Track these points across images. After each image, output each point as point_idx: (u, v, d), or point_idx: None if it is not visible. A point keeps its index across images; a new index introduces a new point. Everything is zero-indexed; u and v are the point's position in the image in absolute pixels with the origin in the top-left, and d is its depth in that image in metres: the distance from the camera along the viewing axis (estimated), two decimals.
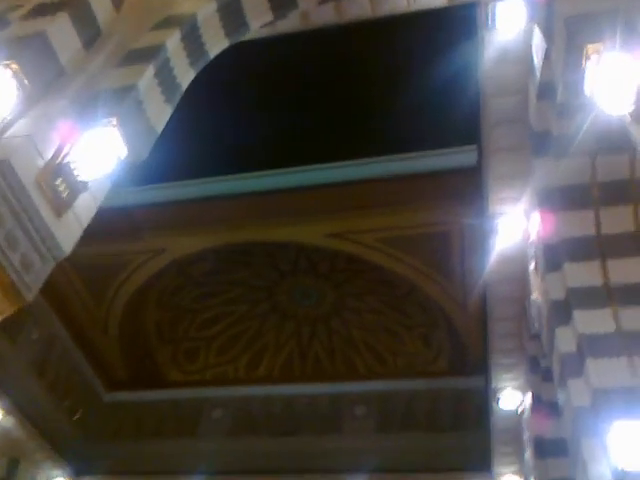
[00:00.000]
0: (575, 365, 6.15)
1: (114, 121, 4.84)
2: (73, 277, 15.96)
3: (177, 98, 5.94)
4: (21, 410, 14.38)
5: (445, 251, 14.37)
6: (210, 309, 17.69)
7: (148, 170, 13.27)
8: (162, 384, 18.16)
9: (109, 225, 14.33)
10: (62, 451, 15.97)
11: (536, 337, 9.23)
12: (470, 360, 15.31)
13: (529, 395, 10.44)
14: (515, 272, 9.28)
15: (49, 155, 4.83)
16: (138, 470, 15.95)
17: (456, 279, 14.72)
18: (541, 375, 9.47)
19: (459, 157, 12.38)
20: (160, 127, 5.76)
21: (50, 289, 15.29)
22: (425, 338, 16.98)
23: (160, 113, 5.70)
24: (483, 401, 12.84)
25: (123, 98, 5.07)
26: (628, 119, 3.60)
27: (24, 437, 14.73)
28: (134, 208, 14.22)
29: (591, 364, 5.89)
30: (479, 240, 9.70)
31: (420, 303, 16.01)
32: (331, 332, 17.96)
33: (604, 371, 5.82)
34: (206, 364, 18.43)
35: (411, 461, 14.40)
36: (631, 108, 3.52)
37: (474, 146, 9.41)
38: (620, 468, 5.22)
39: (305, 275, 16.59)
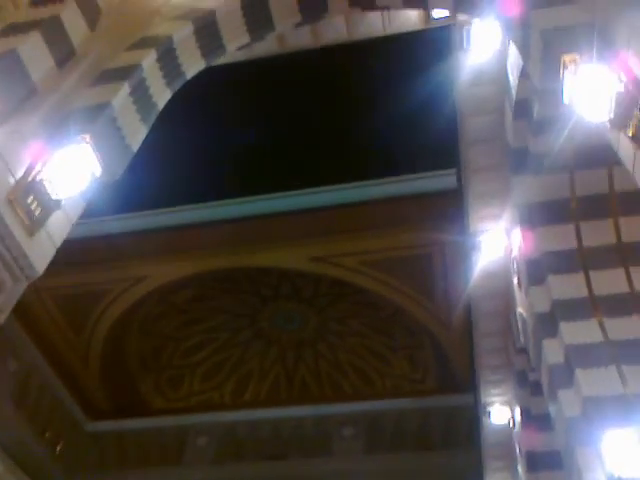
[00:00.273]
0: (564, 376, 6.23)
1: (87, 138, 4.79)
2: (52, 308, 15.78)
3: (153, 117, 5.89)
4: None
5: (428, 272, 14.49)
6: (193, 336, 17.55)
7: (128, 198, 13.44)
8: (146, 412, 17.93)
9: (89, 254, 14.30)
10: None
11: (522, 351, 9.31)
12: (458, 378, 15.36)
13: (518, 410, 10.49)
14: (498, 287, 9.37)
15: (20, 173, 4.76)
16: None
17: (440, 299, 14.84)
18: (530, 389, 9.53)
19: (440, 180, 12.61)
20: (136, 146, 5.71)
21: (28, 320, 15.14)
22: (411, 359, 17.01)
23: (135, 132, 5.63)
24: (473, 418, 12.80)
25: (97, 115, 5.03)
26: (607, 127, 3.70)
27: (2, 470, 14.34)
28: (114, 236, 14.13)
29: (580, 374, 5.97)
30: (462, 258, 9.79)
31: (405, 325, 16.06)
32: (317, 356, 17.91)
33: (594, 381, 5.90)
34: (190, 391, 18.24)
35: None
36: (610, 115, 3.62)
37: (454, 169, 9.57)
38: (616, 476, 5.27)
39: (288, 300, 16.59)
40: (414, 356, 16.93)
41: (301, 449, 16.19)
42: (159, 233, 14.29)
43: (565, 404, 6.07)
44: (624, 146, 3.71)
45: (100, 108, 5.17)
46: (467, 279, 9.59)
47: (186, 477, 16.02)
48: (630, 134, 3.43)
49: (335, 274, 14.96)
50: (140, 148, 5.86)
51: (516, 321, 8.77)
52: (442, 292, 14.73)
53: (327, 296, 16.22)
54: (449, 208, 10.62)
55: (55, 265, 14.45)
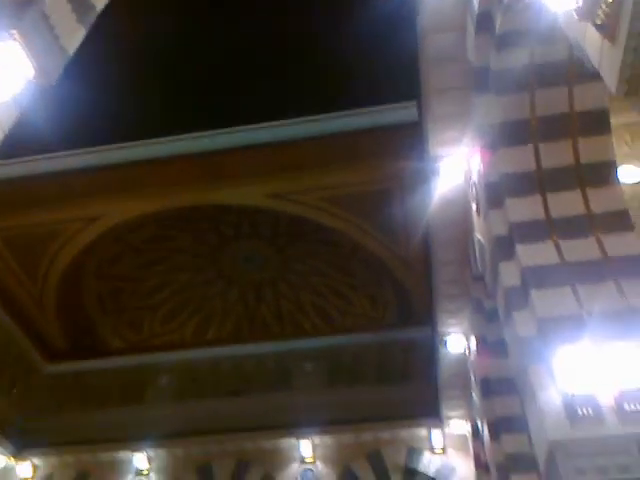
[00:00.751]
0: (520, 298, 6.19)
1: (15, 34, 4.37)
2: (2, 250, 15.23)
3: (90, 19, 5.41)
4: None
5: (387, 208, 14.34)
6: (152, 278, 17.20)
7: (80, 133, 12.86)
8: (105, 353, 17.73)
9: (39, 192, 13.76)
10: (1, 429, 15.43)
11: (480, 279, 9.31)
12: (417, 313, 15.50)
13: (474, 339, 10.61)
14: (457, 216, 9.26)
15: None
16: (84, 440, 15.63)
17: (399, 235, 14.78)
18: (485, 317, 9.59)
19: (400, 112, 12.29)
20: (72, 48, 5.25)
21: None
22: (371, 296, 17.09)
23: (71, 33, 5.15)
24: (430, 350, 13.02)
25: (25, 10, 4.59)
26: (573, 18, 3.45)
27: None
28: (66, 173, 13.54)
29: (536, 295, 5.93)
30: (421, 190, 9.62)
31: (364, 262, 16.02)
32: (278, 295, 17.84)
33: (548, 301, 5.87)
34: (151, 333, 18.06)
35: (362, 412, 14.56)
36: (576, 3, 3.37)
37: (414, 102, 9.26)
38: (569, 393, 5.29)
39: (248, 239, 16.32)
40: (374, 293, 17.00)
41: (262, 385, 16.30)
42: (112, 170, 13.67)
43: (520, 325, 6.04)
44: (590, 38, 3.48)
45: (29, 2, 4.69)
46: (426, 207, 9.45)
47: (148, 415, 15.98)
48: (598, 22, 3.19)
49: (294, 211, 14.71)
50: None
51: (474, 249, 8.72)
52: (401, 228, 14.66)
53: (287, 235, 16.00)
54: (409, 141, 10.35)
55: (4, 205, 13.89)
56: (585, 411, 5.28)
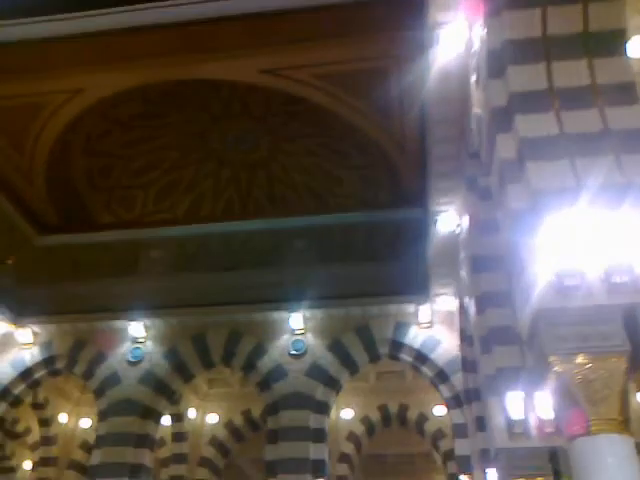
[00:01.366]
0: (515, 170, 6.06)
1: None
2: None
3: None
4: None
5: (383, 87, 13.81)
6: (142, 156, 16.88)
7: None
8: (97, 228, 17.80)
9: (17, 62, 13.11)
10: None
11: (475, 156, 9.13)
12: (409, 194, 15.45)
13: (466, 217, 10.60)
14: (455, 90, 8.93)
15: None
16: (80, 310, 16.05)
17: (394, 116, 14.39)
18: (479, 194, 9.51)
19: None
20: None
21: None
22: (364, 178, 16.94)
23: None
24: (421, 228, 13.09)
25: None
26: None
27: None
28: (46, 41, 12.78)
29: (531, 167, 5.80)
30: (418, 60, 9.18)
31: (358, 143, 15.72)
32: (270, 176, 17.65)
33: (544, 173, 5.75)
34: (144, 212, 18.03)
35: (351, 288, 14.89)
36: None
37: None
38: (559, 264, 5.30)
39: (239, 119, 15.86)
40: (367, 175, 16.83)
41: (254, 261, 16.52)
42: (96, 37, 12.90)
43: (513, 198, 5.96)
44: None
45: None
46: (423, 82, 9.09)
47: (142, 287, 16.29)
48: None
49: (286, 88, 14.15)
50: None
51: (470, 124, 8.48)
52: (397, 108, 14.23)
53: (279, 115, 15.52)
54: (407, 14, 9.80)
55: None
56: (573, 282, 5.31)
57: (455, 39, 7.94)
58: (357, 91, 14.04)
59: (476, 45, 7.37)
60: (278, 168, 17.42)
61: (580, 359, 5.30)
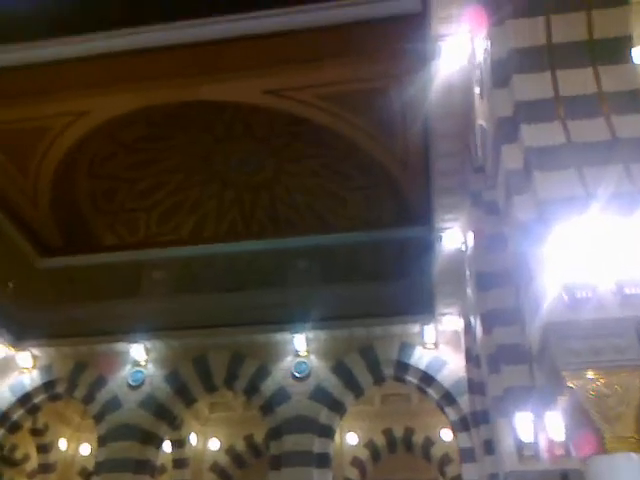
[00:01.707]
0: (522, 181, 5.90)
1: None
2: None
3: None
4: None
5: (385, 106, 13.83)
6: (146, 178, 16.97)
7: (65, 20, 12.09)
8: (100, 249, 17.70)
9: (24, 84, 13.16)
10: None
11: (480, 171, 9.01)
12: (413, 213, 15.37)
13: (471, 233, 10.43)
14: (458, 104, 8.83)
15: None
16: (81, 332, 15.85)
17: (397, 135, 14.39)
18: (484, 210, 9.35)
19: (400, 3, 11.52)
20: None
21: None
22: (367, 198, 16.89)
23: None
24: (425, 247, 12.91)
25: None
26: None
27: None
28: (51, 64, 12.82)
29: (539, 177, 5.64)
30: (420, 74, 9.11)
31: (361, 164, 15.73)
32: (274, 198, 17.64)
33: (552, 183, 5.59)
34: (147, 234, 17.96)
35: (355, 308, 14.67)
36: None
37: None
38: (568, 276, 5.11)
39: (242, 141, 15.91)
40: (370, 195, 16.79)
41: (256, 282, 16.33)
42: (99, 61, 12.94)
43: (520, 209, 5.79)
44: None
45: None
46: (425, 97, 8.99)
47: (143, 309, 16.11)
48: None
49: (290, 109, 14.18)
50: None
51: (475, 138, 8.36)
52: (400, 127, 14.22)
53: (282, 136, 15.58)
54: (411, 34, 9.78)
55: None
56: (584, 294, 5.12)
57: (458, 52, 7.85)
58: (360, 111, 14.03)
59: (479, 56, 7.28)
60: (281, 189, 17.40)
61: (593, 374, 5.08)
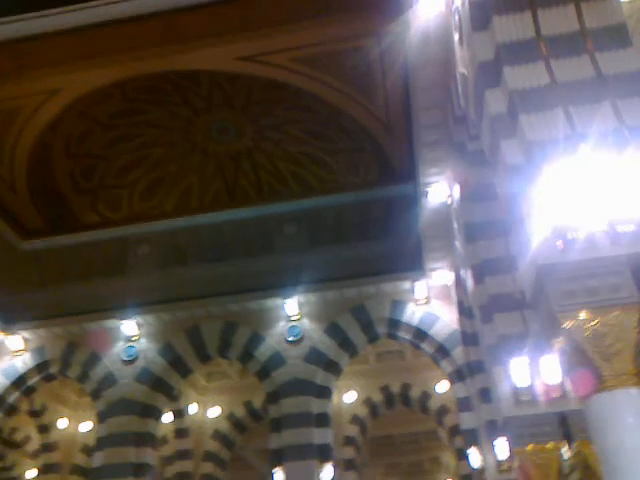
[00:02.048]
0: (507, 125, 5.80)
1: None
2: None
3: None
4: None
5: (365, 66, 13.57)
6: (125, 154, 16.62)
7: None
8: (82, 228, 17.45)
9: None
10: None
11: (462, 120, 8.90)
12: (397, 172, 15.26)
13: (457, 186, 10.36)
14: (437, 54, 8.68)
15: None
16: (67, 312, 15.80)
17: (378, 94, 14.17)
18: (468, 160, 9.27)
19: None
20: None
21: None
22: (351, 162, 16.72)
23: None
24: (412, 203, 12.85)
25: None
26: None
27: None
28: (16, 41, 12.42)
29: (524, 119, 5.54)
30: (397, 24, 8.89)
31: (342, 126, 15.51)
32: (256, 166, 17.40)
33: (538, 124, 5.49)
34: (131, 211, 17.70)
35: (345, 269, 14.65)
36: None
37: None
38: (559, 217, 5.05)
39: (220, 110, 15.61)
40: (354, 159, 16.60)
41: (244, 250, 16.24)
42: (68, 35, 12.55)
43: (507, 153, 5.70)
44: None
45: None
46: (403, 45, 8.80)
47: (132, 284, 16.03)
48: None
49: (267, 74, 13.89)
50: None
51: (456, 87, 8.22)
52: (380, 87, 13.99)
53: (261, 103, 15.26)
54: None
55: None
56: (575, 235, 5.07)
57: None
58: (337, 72, 13.78)
59: (457, 1, 7.09)
60: (263, 157, 17.17)
61: (589, 314, 5.07)
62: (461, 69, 7.47)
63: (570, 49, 5.78)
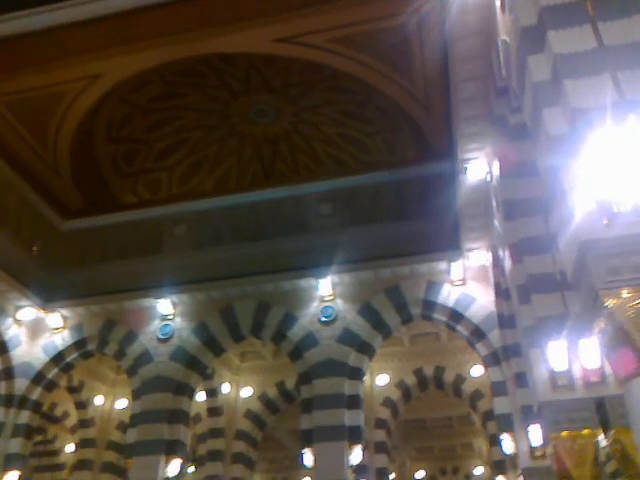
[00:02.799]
0: (551, 92, 5.50)
1: None
2: (10, 118, 14.74)
3: None
4: None
5: (402, 44, 13.22)
6: (164, 138, 16.68)
7: None
8: (120, 208, 17.60)
9: (32, 52, 12.85)
10: (27, 283, 15.78)
11: (503, 92, 8.56)
12: (435, 149, 14.93)
13: (497, 162, 10.02)
14: (478, 23, 8.36)
15: None
16: (108, 291, 15.93)
17: (415, 69, 13.79)
18: (510, 135, 8.93)
19: None
20: None
21: None
22: (388, 142, 16.43)
23: None
24: (449, 181, 12.52)
25: None
26: None
27: None
28: (58, 29, 12.43)
29: (569, 85, 5.23)
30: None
31: (380, 108, 15.24)
32: (293, 148, 17.29)
33: (584, 91, 5.18)
34: (169, 194, 17.80)
35: (380, 249, 14.43)
36: None
37: None
38: (604, 191, 4.76)
39: (259, 93, 15.49)
40: (391, 139, 16.29)
41: (279, 229, 16.13)
42: (109, 21, 12.50)
43: (550, 123, 5.40)
44: None
45: None
46: (442, 16, 8.50)
47: (168, 264, 16.09)
48: None
49: (303, 55, 13.67)
50: None
51: (498, 57, 7.88)
52: (417, 59, 13.61)
53: (298, 85, 15.08)
54: None
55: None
56: (621, 208, 4.78)
57: None
58: (374, 51, 13.47)
59: None
60: (300, 139, 17.03)
61: (633, 292, 4.79)
62: (503, 36, 7.14)
63: (619, 10, 5.44)
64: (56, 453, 22.84)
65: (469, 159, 10.68)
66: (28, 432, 15.90)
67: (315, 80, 14.78)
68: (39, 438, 21.58)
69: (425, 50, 13.10)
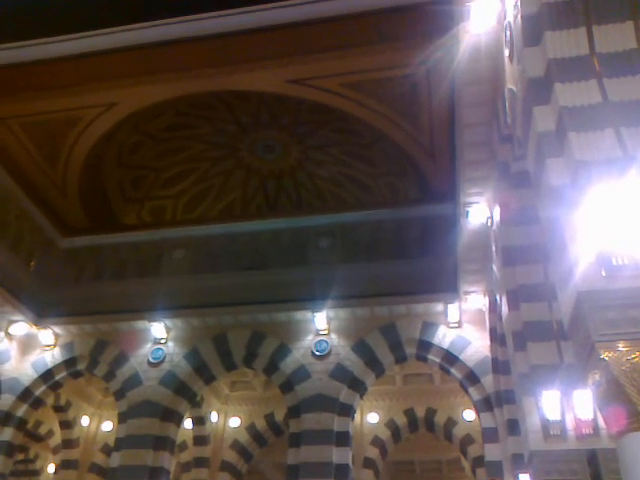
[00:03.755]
0: (555, 143, 5.57)
1: None
2: (23, 138, 14.95)
3: None
4: None
5: (411, 92, 13.47)
6: (173, 167, 16.94)
7: (95, 12, 11.95)
8: (120, 228, 17.66)
9: (53, 77, 13.15)
10: (21, 297, 15.72)
11: (507, 140, 8.67)
12: (437, 191, 15.07)
13: (498, 207, 10.08)
14: (486, 71, 8.49)
15: None
16: (102, 310, 15.82)
17: (423, 120, 14.04)
18: (512, 181, 9.01)
19: None
20: None
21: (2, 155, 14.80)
22: (392, 185, 16.60)
23: None
24: (450, 223, 12.61)
25: None
26: None
27: None
28: (78, 57, 12.72)
29: (573, 138, 5.30)
30: (446, 39, 8.75)
31: (386, 151, 15.46)
32: (297, 185, 17.49)
33: (588, 144, 5.25)
34: (173, 221, 17.92)
35: (377, 287, 14.40)
36: None
37: None
38: (604, 242, 4.79)
39: (267, 128, 15.76)
40: (395, 182, 16.49)
41: (277, 260, 16.12)
42: (127, 52, 12.81)
43: (553, 173, 5.46)
44: None
45: None
46: (451, 63, 8.65)
47: (164, 287, 16.01)
48: None
49: (315, 98, 13.93)
50: None
51: (504, 105, 8.00)
52: (426, 116, 13.87)
53: (307, 124, 15.36)
54: (436, 23, 9.47)
55: (19, 91, 13.44)
56: (620, 261, 4.81)
57: (487, 12, 7.47)
58: (383, 97, 13.73)
59: (509, 16, 6.91)
60: (305, 177, 17.27)
61: (629, 346, 4.78)
62: (510, 85, 7.26)
63: (625, 67, 5.54)
64: (37, 473, 22.45)
65: (471, 203, 10.75)
66: (10, 450, 15.65)
67: (323, 120, 15.04)
68: (20, 457, 21.22)
69: (432, 97, 13.33)
